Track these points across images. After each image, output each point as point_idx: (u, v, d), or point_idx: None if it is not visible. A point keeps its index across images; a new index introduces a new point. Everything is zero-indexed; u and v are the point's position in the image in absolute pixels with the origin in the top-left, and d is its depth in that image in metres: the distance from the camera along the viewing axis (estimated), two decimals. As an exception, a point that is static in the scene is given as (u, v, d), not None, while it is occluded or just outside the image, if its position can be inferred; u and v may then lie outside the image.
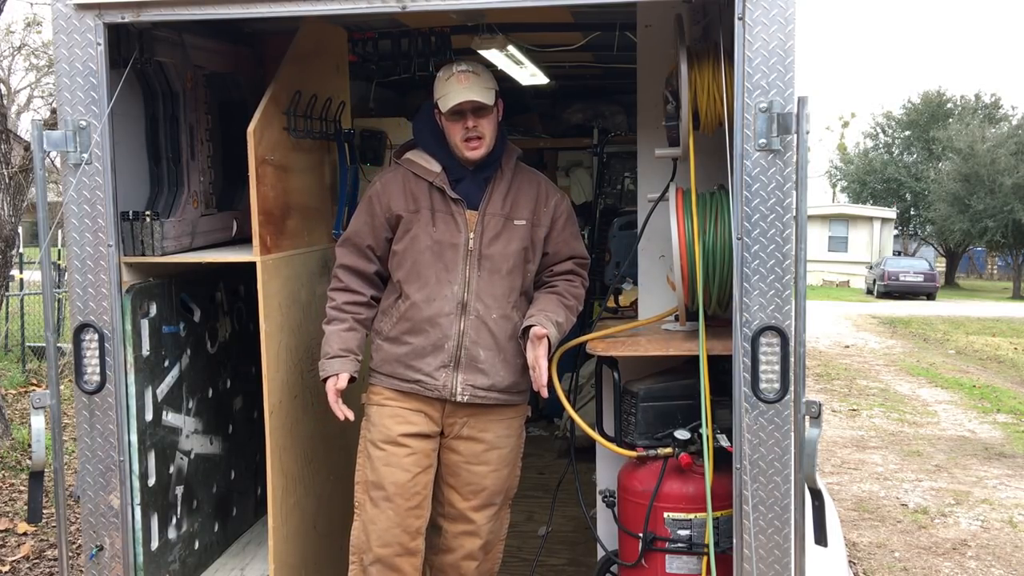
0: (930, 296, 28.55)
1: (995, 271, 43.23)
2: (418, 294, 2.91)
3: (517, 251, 2.94)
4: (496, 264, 2.92)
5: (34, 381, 9.21)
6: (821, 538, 2.52)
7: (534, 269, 3.02)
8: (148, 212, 2.95)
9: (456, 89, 2.85)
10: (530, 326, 2.85)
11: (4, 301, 8.18)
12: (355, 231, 2.99)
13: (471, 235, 2.91)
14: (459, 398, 2.92)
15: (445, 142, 2.94)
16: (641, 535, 2.92)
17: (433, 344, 2.91)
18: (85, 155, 2.69)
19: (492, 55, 4.21)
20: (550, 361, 2.95)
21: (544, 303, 2.96)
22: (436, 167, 2.95)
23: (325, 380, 2.90)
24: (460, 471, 3.01)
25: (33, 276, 12.60)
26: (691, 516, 2.88)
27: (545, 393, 2.82)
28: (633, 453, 2.99)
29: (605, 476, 3.36)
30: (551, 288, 3.03)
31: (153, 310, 2.99)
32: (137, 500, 2.89)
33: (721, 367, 2.72)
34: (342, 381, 2.88)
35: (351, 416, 2.89)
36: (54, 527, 4.52)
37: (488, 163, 2.96)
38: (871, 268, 31.81)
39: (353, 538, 3.00)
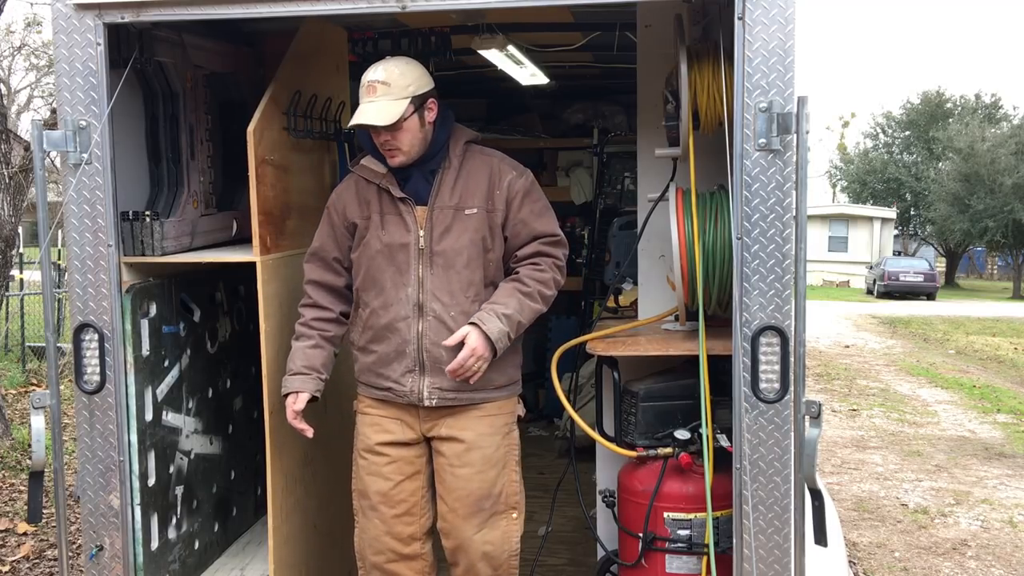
0: (930, 296, 28.55)
1: (995, 271, 43.23)
2: (375, 301, 2.84)
3: (471, 242, 2.81)
4: (449, 259, 2.80)
5: (34, 381, 9.21)
6: (821, 538, 2.52)
7: (496, 257, 2.88)
8: (148, 212, 2.95)
9: (361, 105, 2.72)
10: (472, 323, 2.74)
11: (4, 301, 8.18)
12: (319, 245, 2.94)
13: (421, 232, 2.81)
14: (427, 402, 2.83)
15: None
16: (641, 535, 2.92)
17: (395, 350, 2.83)
18: (85, 155, 2.69)
19: (492, 55, 4.21)
20: (549, 362, 2.95)
21: (498, 294, 2.83)
22: (382, 168, 2.85)
23: (285, 396, 2.87)
24: (445, 475, 2.90)
25: (33, 276, 12.60)
26: (691, 516, 2.88)
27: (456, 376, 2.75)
28: (633, 453, 2.99)
29: (605, 476, 3.36)
30: (512, 276, 2.89)
31: (153, 310, 2.99)
32: (137, 500, 2.89)
33: (721, 367, 2.72)
34: (300, 401, 2.85)
35: (309, 433, 2.86)
36: (54, 527, 4.52)
37: (431, 155, 2.83)
38: (871, 268, 31.81)
39: (355, 544, 3.01)
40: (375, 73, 2.74)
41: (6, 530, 5.09)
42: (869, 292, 30.45)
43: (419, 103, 2.77)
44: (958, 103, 39.81)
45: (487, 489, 2.88)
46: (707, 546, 2.77)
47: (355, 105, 2.82)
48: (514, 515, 2.94)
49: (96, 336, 2.74)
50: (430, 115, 2.82)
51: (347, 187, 2.93)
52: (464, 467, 2.87)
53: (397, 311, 2.82)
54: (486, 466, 2.88)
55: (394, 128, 2.73)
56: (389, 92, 2.71)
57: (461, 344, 2.72)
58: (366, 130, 2.77)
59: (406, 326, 2.81)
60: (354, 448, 3.00)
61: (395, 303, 2.82)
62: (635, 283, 3.54)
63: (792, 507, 2.55)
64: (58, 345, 4.27)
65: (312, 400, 2.88)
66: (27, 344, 10.25)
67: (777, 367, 2.50)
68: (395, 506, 2.90)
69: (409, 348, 2.82)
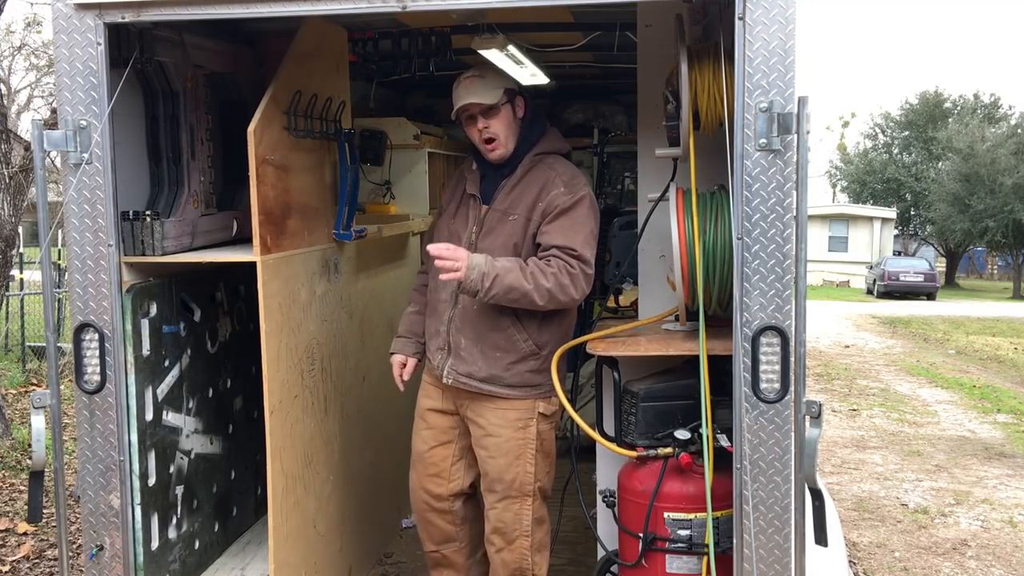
0: (930, 296, 28.55)
1: (995, 271, 43.23)
2: (433, 280, 3.14)
3: (505, 245, 3.04)
4: (488, 255, 2.99)
5: (34, 381, 9.21)
6: (821, 538, 2.52)
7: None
8: (148, 212, 2.95)
9: (459, 94, 3.03)
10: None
11: (4, 301, 8.18)
12: (435, 224, 3.37)
13: (474, 228, 3.10)
14: (445, 380, 3.16)
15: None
16: (641, 535, 2.92)
17: (435, 328, 3.19)
18: (85, 155, 2.69)
19: (492, 55, 4.20)
20: (549, 362, 2.98)
21: (502, 259, 2.98)
22: (474, 166, 3.23)
23: (392, 355, 3.31)
24: (479, 457, 3.22)
25: (33, 276, 12.60)
26: (691, 516, 2.88)
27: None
28: (633, 453, 2.99)
29: (605, 476, 3.36)
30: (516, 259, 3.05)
31: (153, 310, 2.99)
32: (137, 500, 2.89)
33: (721, 367, 2.72)
34: (410, 364, 3.29)
35: (402, 387, 3.31)
36: (54, 527, 4.53)
37: (510, 161, 3.11)
38: (871, 268, 31.81)
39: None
40: (468, 72, 3.08)
41: (6, 530, 5.09)
42: (869, 292, 30.44)
43: (511, 95, 3.09)
44: (957, 103, 39.81)
45: (499, 473, 3.17)
46: (707, 546, 2.77)
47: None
48: (529, 501, 3.18)
49: (96, 336, 2.74)
50: (519, 111, 3.10)
51: (456, 179, 3.33)
52: (482, 449, 3.20)
53: (441, 294, 3.15)
54: (498, 453, 3.15)
55: (492, 113, 3.03)
56: (483, 83, 3.04)
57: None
58: (471, 117, 3.04)
59: (444, 308, 3.13)
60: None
61: (442, 287, 3.11)
62: (635, 283, 3.53)
63: (792, 507, 2.55)
64: (58, 345, 4.27)
65: (417, 361, 3.32)
66: (27, 344, 10.24)
67: (777, 367, 2.50)
68: (428, 467, 3.30)
69: (442, 329, 3.14)
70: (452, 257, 2.87)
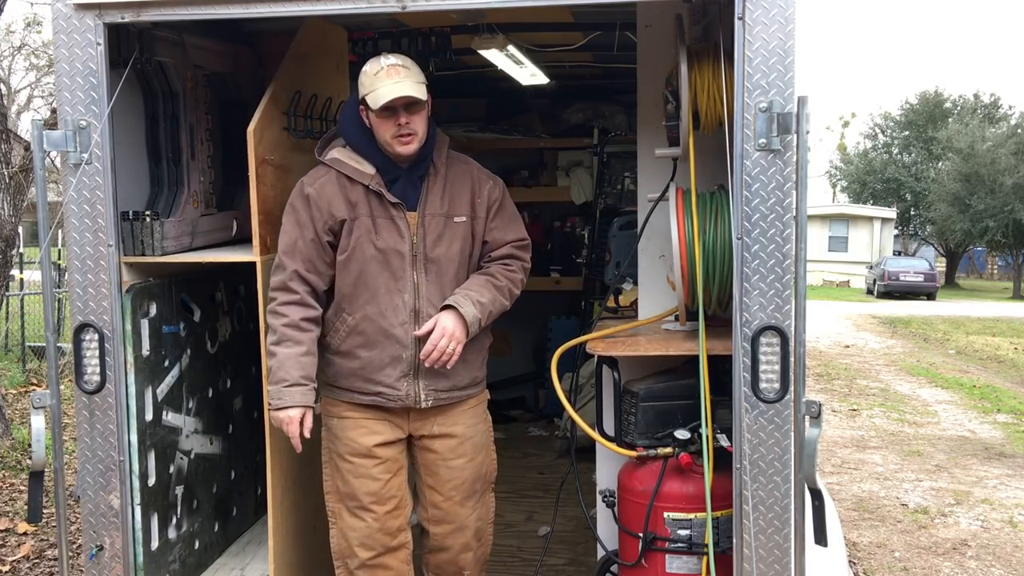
0: (930, 296, 28.55)
1: (995, 271, 43.23)
2: (369, 306, 2.81)
3: (461, 251, 2.88)
4: (443, 267, 2.85)
5: (34, 381, 9.21)
6: (821, 538, 2.52)
7: (475, 261, 2.95)
8: (148, 212, 2.95)
9: (386, 84, 2.69)
10: (447, 306, 2.79)
11: (4, 301, 8.18)
12: (307, 239, 2.79)
13: (414, 239, 2.82)
14: (423, 404, 2.88)
15: (374, 140, 2.81)
16: (641, 535, 2.92)
17: (391, 356, 2.83)
18: (85, 155, 2.69)
19: (492, 55, 4.21)
20: (549, 362, 2.96)
21: (471, 282, 2.89)
22: (369, 168, 2.82)
23: (280, 410, 2.74)
24: (439, 469, 2.98)
25: (33, 276, 12.60)
26: (691, 516, 2.88)
27: (428, 362, 2.77)
28: (633, 453, 2.99)
29: (605, 476, 3.36)
30: (484, 270, 2.94)
31: (153, 310, 2.99)
32: (137, 500, 2.89)
33: (721, 367, 2.72)
34: (308, 419, 2.77)
35: (299, 448, 2.80)
36: (54, 527, 4.52)
37: (420, 159, 2.83)
38: (871, 268, 31.82)
39: (334, 545, 2.99)
40: (389, 59, 2.75)
41: (6, 530, 5.09)
42: (869, 292, 30.45)
43: (428, 89, 2.81)
44: (957, 103, 39.82)
45: (478, 472, 3.05)
46: (707, 546, 2.77)
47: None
48: (492, 487, 3.14)
49: (96, 336, 2.74)
50: (430, 108, 2.85)
51: (328, 182, 2.82)
52: (458, 458, 2.99)
53: (394, 317, 2.82)
54: (475, 452, 3.03)
55: (416, 108, 2.75)
56: (411, 75, 2.75)
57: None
58: (390, 110, 2.70)
59: (403, 332, 2.83)
60: (328, 451, 2.97)
61: (391, 309, 2.82)
62: (635, 283, 3.53)
63: (792, 507, 2.55)
64: (58, 345, 4.27)
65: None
66: (27, 344, 10.24)
67: (777, 367, 2.50)
68: (386, 503, 2.93)
69: (406, 353, 2.84)
70: (446, 336, 2.75)
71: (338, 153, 2.85)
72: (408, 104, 2.72)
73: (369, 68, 2.76)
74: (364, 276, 2.81)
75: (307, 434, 2.78)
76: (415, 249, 2.82)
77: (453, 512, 3.01)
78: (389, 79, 2.70)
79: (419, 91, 2.73)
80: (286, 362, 2.76)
